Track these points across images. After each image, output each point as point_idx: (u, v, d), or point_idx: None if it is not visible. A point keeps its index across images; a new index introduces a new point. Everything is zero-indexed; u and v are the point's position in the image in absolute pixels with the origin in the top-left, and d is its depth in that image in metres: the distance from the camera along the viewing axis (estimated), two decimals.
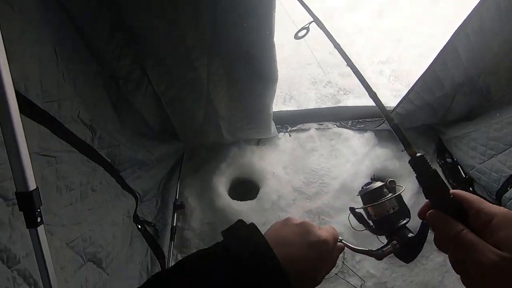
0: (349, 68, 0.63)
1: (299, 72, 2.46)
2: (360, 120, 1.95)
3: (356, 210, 0.59)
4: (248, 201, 1.66)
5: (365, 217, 0.55)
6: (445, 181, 1.76)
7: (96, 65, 1.07)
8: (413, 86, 1.41)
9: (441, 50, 1.25)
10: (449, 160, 1.77)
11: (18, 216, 0.59)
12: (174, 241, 1.50)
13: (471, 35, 1.21)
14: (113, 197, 1.18)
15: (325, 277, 0.43)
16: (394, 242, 0.49)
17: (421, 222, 0.46)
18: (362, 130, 1.91)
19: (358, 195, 0.58)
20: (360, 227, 0.58)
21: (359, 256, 1.49)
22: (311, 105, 2.22)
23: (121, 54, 1.07)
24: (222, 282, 0.33)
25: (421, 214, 0.42)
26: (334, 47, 0.66)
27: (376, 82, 2.33)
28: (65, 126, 0.88)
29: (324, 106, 2.22)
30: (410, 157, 0.44)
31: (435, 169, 0.40)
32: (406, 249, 0.49)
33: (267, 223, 1.59)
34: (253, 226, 0.40)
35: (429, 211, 0.40)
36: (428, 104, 1.54)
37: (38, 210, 0.54)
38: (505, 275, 0.31)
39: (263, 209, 1.62)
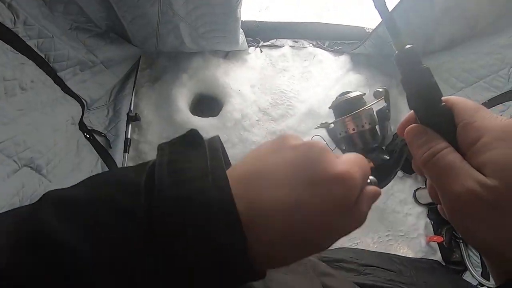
0: None
1: None
2: (338, 42, 1.84)
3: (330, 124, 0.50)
4: (210, 117, 1.61)
5: (338, 135, 0.47)
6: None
7: None
8: (400, 2, 1.29)
9: None
10: None
11: None
12: (128, 153, 1.46)
13: None
14: (51, 100, 1.07)
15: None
16: None
17: (400, 142, 0.39)
18: (338, 52, 1.83)
19: (330, 107, 0.50)
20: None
21: None
22: (289, 18, 2.02)
23: None
24: (120, 248, 0.19)
25: (400, 129, 0.32)
26: None
27: None
28: None
29: (302, 21, 2.04)
30: (396, 52, 0.31)
31: (428, 68, 0.29)
32: (379, 173, 0.40)
33: (229, 142, 1.58)
34: (214, 147, 0.24)
35: (410, 125, 0.30)
36: (412, 27, 1.45)
37: None
38: (488, 209, 0.24)
39: (225, 127, 1.59)
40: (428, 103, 0.29)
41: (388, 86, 1.80)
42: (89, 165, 1.31)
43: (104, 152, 1.39)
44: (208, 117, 1.62)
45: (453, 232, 1.52)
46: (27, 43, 0.89)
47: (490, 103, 1.31)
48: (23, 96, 0.90)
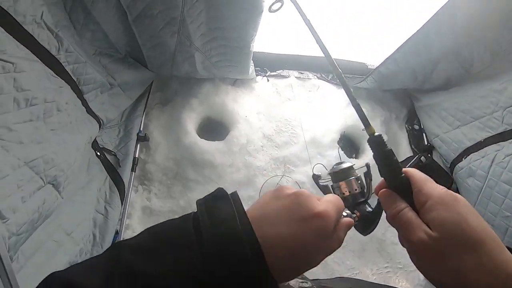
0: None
1: None
2: None
3: (320, 182, 0.63)
4: (217, 141, 1.71)
5: (331, 191, 0.60)
6: (409, 146, 1.96)
7: None
8: (401, 45, 1.44)
9: (439, 10, 1.28)
10: (416, 127, 1.92)
11: None
12: (135, 172, 1.54)
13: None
14: (79, 121, 1.17)
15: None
16: (354, 215, 0.53)
17: (378, 199, 0.51)
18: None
19: (328, 173, 0.62)
20: (324, 176, 0.63)
21: None
22: (295, 51, 2.19)
23: None
24: (187, 270, 0.30)
25: (376, 192, 0.47)
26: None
27: None
28: (25, 27, 0.81)
29: (307, 55, 2.21)
30: (368, 136, 0.48)
31: (390, 149, 0.45)
32: (364, 223, 0.54)
33: (233, 166, 1.67)
34: (236, 199, 0.36)
35: (382, 189, 0.45)
36: (411, 67, 1.61)
37: None
38: (432, 253, 0.36)
39: (231, 152, 1.68)
40: (392, 174, 0.44)
41: (387, 119, 1.93)
42: (98, 183, 1.38)
43: (113, 171, 1.46)
44: (214, 141, 1.72)
45: None
46: (66, 68, 1.00)
47: (486, 142, 1.44)
48: (57, 117, 0.99)
